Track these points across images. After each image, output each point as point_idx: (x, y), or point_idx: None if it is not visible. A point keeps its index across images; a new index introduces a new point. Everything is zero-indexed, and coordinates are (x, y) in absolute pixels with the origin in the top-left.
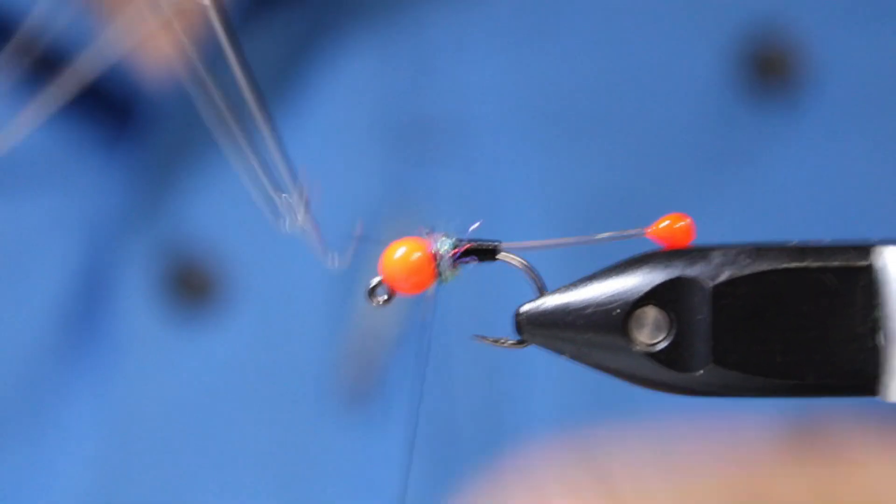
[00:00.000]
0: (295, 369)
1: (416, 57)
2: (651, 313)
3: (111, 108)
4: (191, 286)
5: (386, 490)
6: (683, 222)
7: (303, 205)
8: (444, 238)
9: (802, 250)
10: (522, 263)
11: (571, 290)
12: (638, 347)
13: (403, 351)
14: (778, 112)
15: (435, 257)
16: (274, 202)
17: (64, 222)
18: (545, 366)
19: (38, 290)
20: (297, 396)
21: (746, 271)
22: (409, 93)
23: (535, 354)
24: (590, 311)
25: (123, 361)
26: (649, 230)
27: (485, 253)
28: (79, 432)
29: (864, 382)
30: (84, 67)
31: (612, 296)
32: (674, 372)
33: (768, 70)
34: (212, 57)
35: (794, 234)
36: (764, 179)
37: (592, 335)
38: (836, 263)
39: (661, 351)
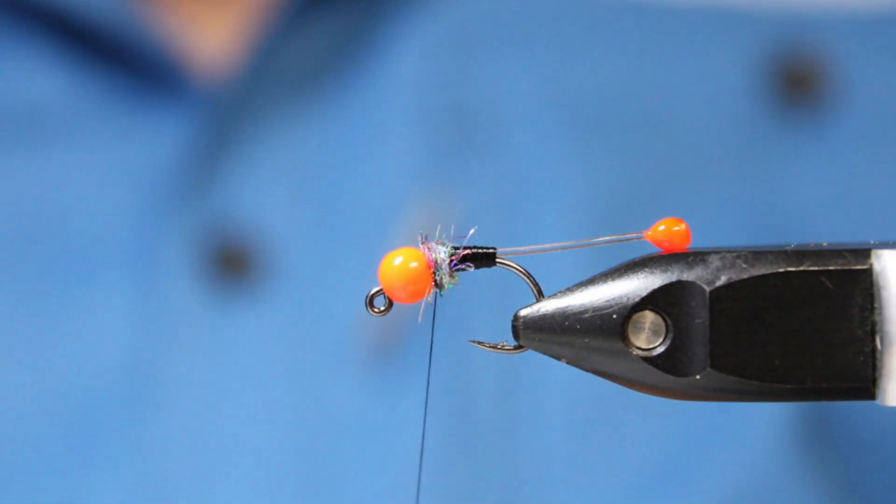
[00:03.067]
0: (330, 342)
1: (457, 48)
2: (649, 317)
3: (163, 71)
4: (232, 264)
5: (408, 449)
6: (681, 226)
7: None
8: (440, 246)
9: (800, 254)
10: (520, 268)
11: (569, 294)
12: (636, 352)
13: (428, 313)
14: (803, 127)
15: (432, 266)
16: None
17: (114, 197)
18: None
19: (90, 262)
20: (330, 366)
21: (744, 275)
22: (448, 82)
23: None
24: (588, 315)
25: (165, 334)
26: (648, 233)
27: (482, 259)
28: (116, 406)
29: (862, 386)
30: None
31: (610, 300)
32: (671, 376)
33: (796, 85)
34: (266, 41)
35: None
36: (787, 191)
37: (590, 339)
38: (833, 267)
39: (659, 355)
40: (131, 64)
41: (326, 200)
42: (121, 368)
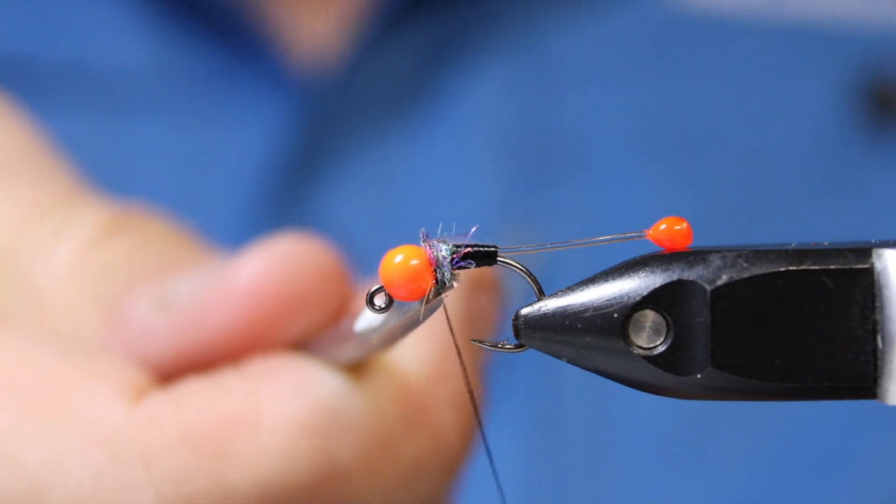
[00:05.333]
0: None
1: (540, 75)
2: (650, 316)
3: (266, 67)
4: None
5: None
6: (682, 225)
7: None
8: (441, 243)
9: (801, 253)
10: (521, 267)
11: (570, 293)
12: (637, 351)
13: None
14: (893, 146)
15: (433, 263)
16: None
17: (198, 173)
18: None
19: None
20: None
21: (745, 274)
22: (532, 110)
23: None
24: (588, 314)
25: None
26: (649, 232)
27: (483, 257)
28: None
29: (863, 385)
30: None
31: (611, 299)
32: (672, 375)
33: (884, 105)
34: (365, 46)
35: None
36: (879, 214)
37: (591, 339)
38: (834, 266)
39: (660, 354)
40: (233, 44)
41: (406, 221)
42: None
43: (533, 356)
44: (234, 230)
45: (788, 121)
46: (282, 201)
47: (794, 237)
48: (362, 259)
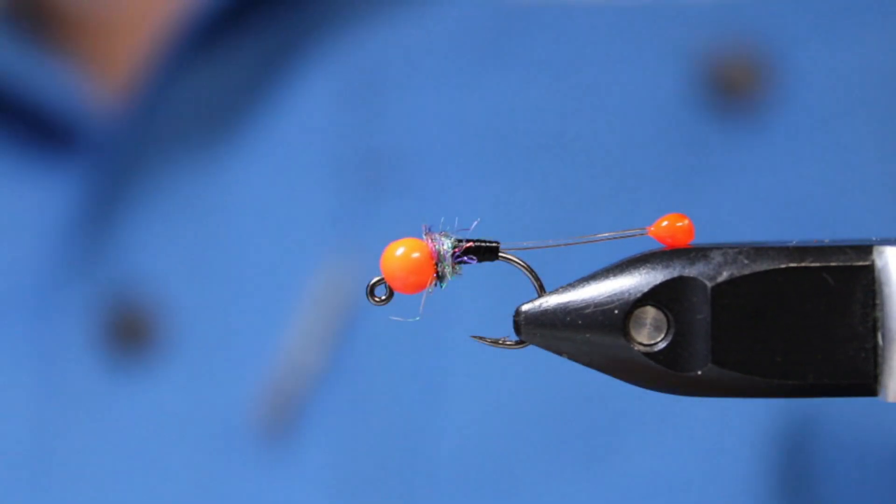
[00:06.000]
0: (228, 411)
1: (365, 90)
2: (650, 313)
3: (53, 139)
4: (129, 332)
5: None
6: (684, 222)
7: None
8: (443, 237)
9: (802, 250)
10: (522, 263)
11: (571, 289)
12: (637, 347)
13: (323, 388)
14: (742, 128)
15: (435, 257)
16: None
17: (4, 261)
18: (458, 399)
19: None
20: (227, 437)
21: (746, 271)
22: (357, 125)
23: (455, 384)
24: (589, 310)
25: (61, 406)
26: (651, 229)
27: (485, 252)
28: (13, 479)
29: (864, 382)
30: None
31: (612, 295)
32: (673, 372)
33: (731, 86)
34: (161, 86)
35: None
36: (729, 195)
37: (592, 335)
38: (835, 263)
39: (661, 351)
40: (18, 114)
41: (229, 257)
42: (17, 438)
43: (534, 353)
44: (42, 290)
45: (632, 108)
46: (89, 257)
47: (642, 225)
48: (182, 311)
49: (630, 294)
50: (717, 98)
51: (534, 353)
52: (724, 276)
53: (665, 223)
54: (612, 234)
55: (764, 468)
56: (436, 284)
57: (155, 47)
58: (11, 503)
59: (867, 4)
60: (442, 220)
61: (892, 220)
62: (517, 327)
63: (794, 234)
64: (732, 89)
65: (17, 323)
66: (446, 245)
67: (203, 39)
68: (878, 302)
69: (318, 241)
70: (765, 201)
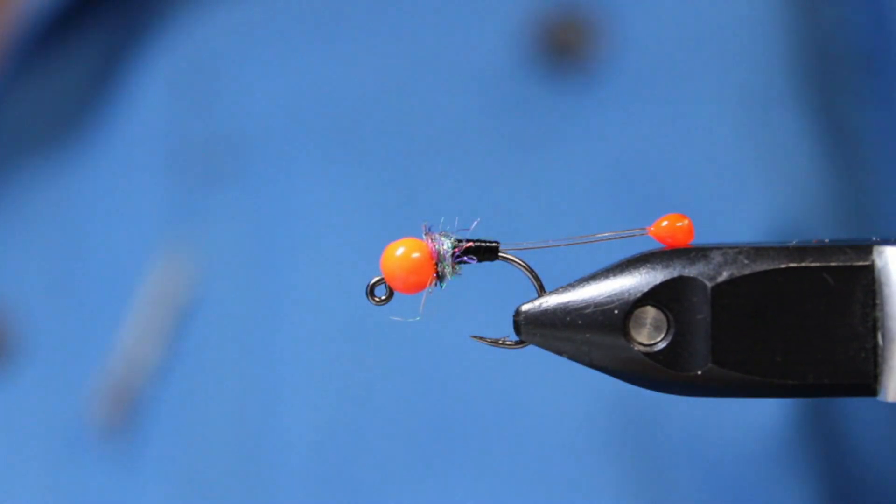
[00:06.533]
0: (72, 412)
1: (196, 81)
2: (650, 313)
3: None
4: None
5: None
6: (684, 222)
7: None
8: (443, 237)
9: (802, 250)
10: (522, 263)
11: (571, 289)
12: (637, 347)
13: (162, 383)
14: (574, 89)
15: (435, 257)
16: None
17: None
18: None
19: None
20: (72, 437)
21: (746, 271)
22: (190, 118)
23: (293, 378)
24: (589, 310)
25: None
26: (651, 229)
27: (485, 252)
28: None
29: (864, 382)
30: None
31: (612, 295)
32: (673, 372)
33: (562, 48)
34: None
35: (600, 211)
36: (564, 158)
37: (591, 335)
38: (835, 263)
39: (661, 351)
40: None
41: (73, 262)
42: None
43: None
44: None
45: (463, 76)
46: None
47: (478, 195)
48: (26, 318)
49: (630, 294)
50: (548, 60)
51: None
52: (724, 276)
53: (665, 223)
54: (611, 234)
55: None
56: (436, 284)
57: None
58: None
59: None
60: (442, 219)
61: (722, 178)
62: (517, 327)
63: (628, 193)
64: (564, 50)
65: None
66: (446, 245)
67: (35, 45)
68: (878, 302)
69: (154, 237)
70: (597, 162)
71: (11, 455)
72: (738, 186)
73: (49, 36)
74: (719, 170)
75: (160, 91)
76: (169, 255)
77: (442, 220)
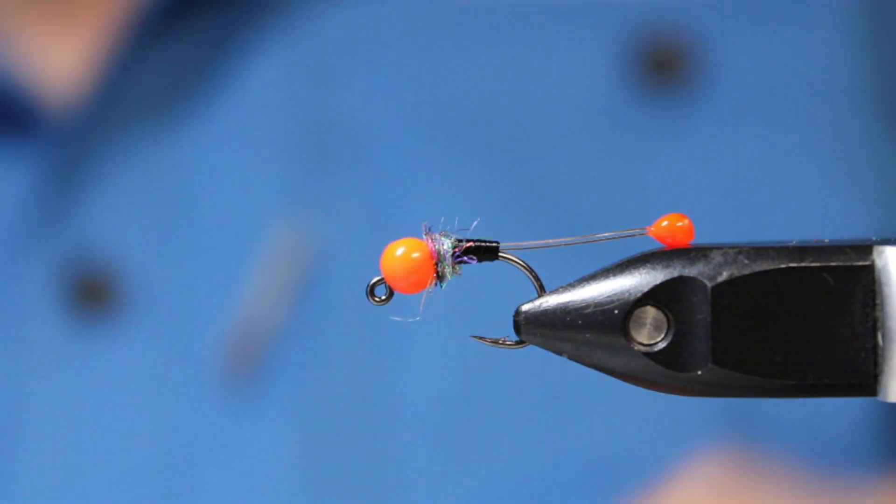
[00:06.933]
0: (193, 363)
1: (318, 66)
2: (651, 313)
3: (10, 106)
4: (93, 294)
5: (266, 471)
6: (684, 221)
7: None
8: (443, 237)
9: (802, 250)
10: (522, 263)
11: (571, 289)
12: (637, 347)
13: (287, 335)
14: (672, 110)
15: (435, 256)
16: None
17: None
18: (421, 359)
19: None
20: (191, 391)
21: (746, 271)
22: (310, 100)
23: (413, 334)
24: (589, 310)
25: (27, 367)
26: (651, 229)
27: (485, 252)
28: None
29: (864, 382)
30: None
31: (612, 295)
32: (673, 372)
33: (661, 69)
34: (119, 65)
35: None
36: (660, 177)
37: (592, 335)
38: (835, 263)
39: (661, 351)
40: None
41: (187, 224)
42: None
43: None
44: (5, 256)
45: (569, 92)
46: (53, 230)
47: (576, 205)
48: (143, 272)
49: (630, 294)
50: (648, 80)
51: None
52: (724, 275)
53: (665, 223)
54: (612, 234)
55: None
56: (436, 284)
57: (113, 29)
58: None
59: None
60: (442, 219)
61: (815, 199)
62: (517, 327)
63: (718, 213)
64: (662, 73)
65: None
66: (446, 245)
67: (159, 19)
68: (878, 302)
69: (271, 206)
70: (689, 182)
71: (130, 404)
72: (826, 212)
73: (175, 8)
74: (808, 195)
75: (278, 73)
76: (288, 223)
77: (442, 219)
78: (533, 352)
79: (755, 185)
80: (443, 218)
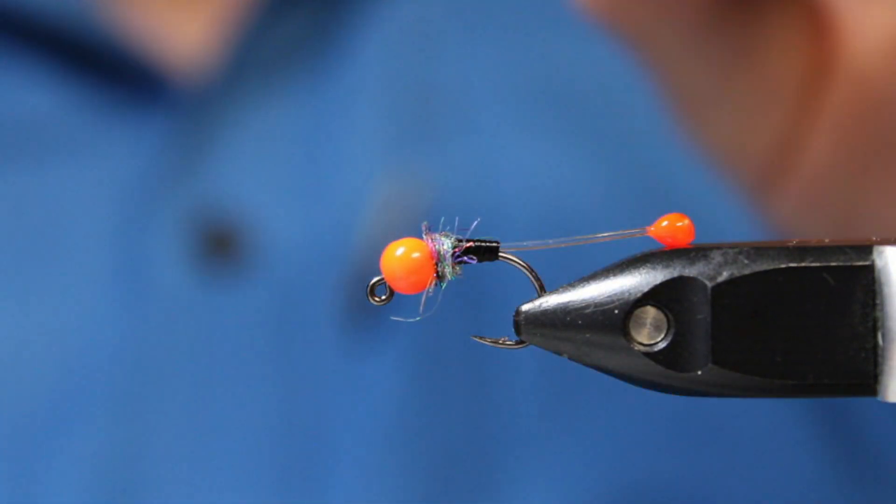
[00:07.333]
0: (312, 312)
1: (420, 33)
2: (651, 313)
3: (141, 75)
4: (217, 244)
5: (381, 412)
6: (684, 221)
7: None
8: (444, 237)
9: (802, 250)
10: (522, 263)
11: (571, 289)
12: (637, 347)
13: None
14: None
15: (435, 257)
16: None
17: (95, 187)
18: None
19: (75, 253)
20: (313, 336)
21: (746, 271)
22: (413, 66)
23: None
24: (589, 310)
25: (154, 316)
26: (651, 229)
27: (485, 252)
28: (104, 381)
29: (864, 382)
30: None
31: (612, 295)
32: (673, 372)
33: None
34: (240, 40)
35: None
36: None
37: (592, 335)
38: (835, 263)
39: (661, 351)
40: (108, 71)
41: (303, 181)
42: (112, 347)
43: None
44: (136, 208)
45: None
46: (178, 186)
47: (671, 203)
48: (263, 225)
49: (630, 294)
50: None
51: None
52: (724, 276)
53: (665, 223)
54: (612, 233)
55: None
56: (436, 284)
57: (233, 8)
58: (109, 412)
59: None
60: (442, 219)
61: None
62: (517, 327)
63: None
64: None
65: (114, 239)
66: (446, 245)
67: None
68: (878, 302)
69: (379, 163)
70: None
71: (252, 349)
72: None
73: None
74: None
75: (380, 41)
76: (396, 176)
77: (442, 219)
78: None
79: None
80: (443, 218)
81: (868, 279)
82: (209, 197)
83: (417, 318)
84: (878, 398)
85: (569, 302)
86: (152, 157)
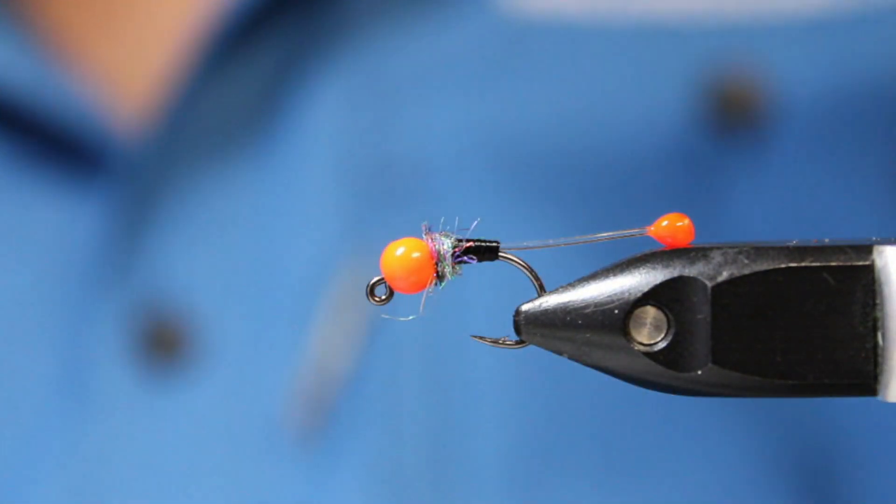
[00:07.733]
0: (262, 416)
1: (378, 98)
2: (651, 313)
3: (79, 158)
4: (161, 341)
5: None
6: (684, 221)
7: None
8: (444, 237)
9: (802, 250)
10: (522, 263)
11: (571, 289)
12: (637, 347)
13: (354, 388)
14: (743, 148)
15: (435, 257)
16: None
17: (34, 279)
18: (494, 395)
19: (13, 349)
20: (262, 444)
21: (746, 271)
22: (371, 134)
23: (485, 382)
24: (589, 310)
25: (95, 418)
26: (651, 229)
27: (485, 252)
28: (49, 490)
29: (864, 382)
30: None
31: (612, 295)
32: (673, 372)
33: (732, 107)
34: (184, 94)
35: None
36: (729, 216)
37: (592, 335)
38: (835, 263)
39: (661, 351)
40: (44, 134)
41: (253, 266)
42: (51, 450)
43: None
44: (74, 303)
45: (636, 127)
46: (120, 276)
47: (642, 245)
48: (212, 319)
49: (630, 294)
50: (717, 116)
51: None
52: (725, 275)
53: (665, 223)
54: (612, 233)
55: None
56: (436, 284)
57: (175, 63)
58: None
59: (851, 25)
60: (442, 219)
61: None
62: (517, 327)
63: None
64: (733, 110)
65: (50, 337)
66: (446, 245)
67: (219, 54)
68: (878, 302)
69: (337, 247)
70: (765, 219)
71: (200, 456)
72: None
73: (234, 44)
74: (879, 233)
75: (339, 105)
76: (352, 265)
77: (442, 219)
78: (608, 400)
79: (825, 227)
80: (443, 218)
81: (868, 279)
82: (150, 288)
83: (411, 318)
84: (878, 398)
85: (569, 302)
86: (90, 233)
